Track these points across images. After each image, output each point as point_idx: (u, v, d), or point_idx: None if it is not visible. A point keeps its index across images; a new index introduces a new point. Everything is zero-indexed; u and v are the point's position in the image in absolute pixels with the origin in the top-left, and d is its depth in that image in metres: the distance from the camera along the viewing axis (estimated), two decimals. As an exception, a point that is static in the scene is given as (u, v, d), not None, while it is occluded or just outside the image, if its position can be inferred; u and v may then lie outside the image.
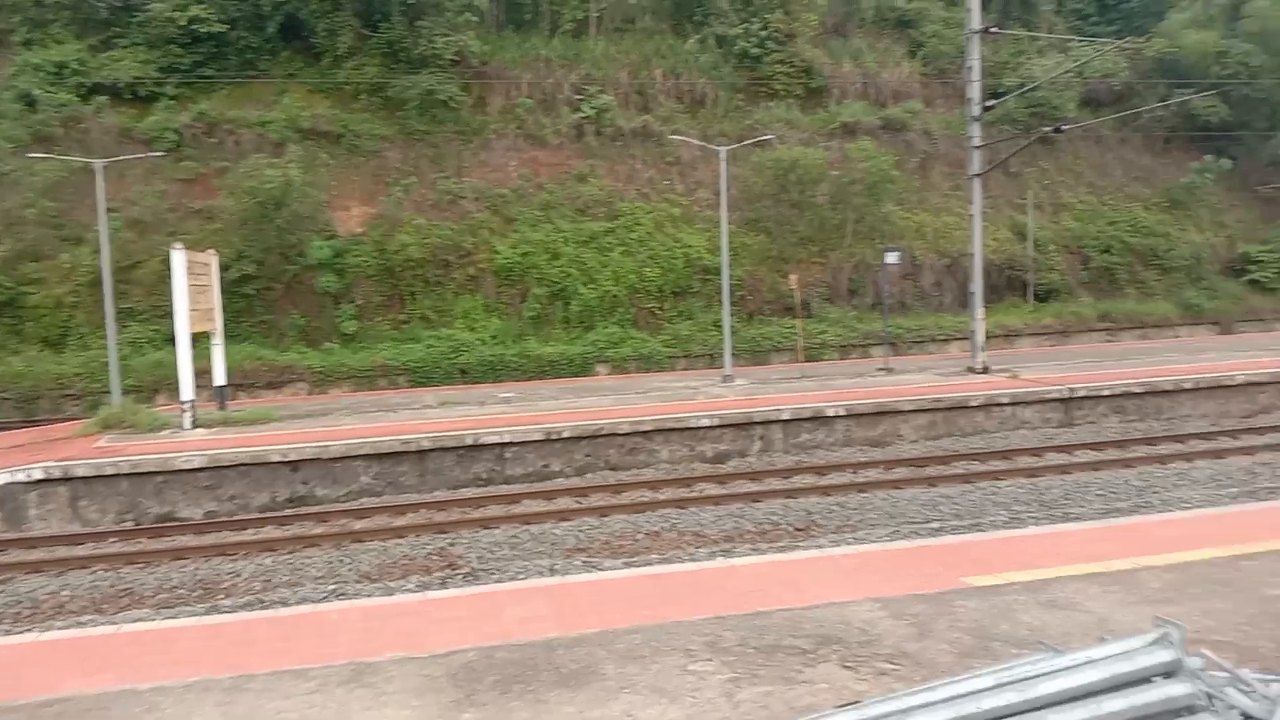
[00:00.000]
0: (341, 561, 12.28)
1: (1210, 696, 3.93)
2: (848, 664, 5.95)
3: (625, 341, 30.62)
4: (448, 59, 33.35)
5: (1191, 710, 3.85)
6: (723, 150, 25.65)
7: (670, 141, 34.02)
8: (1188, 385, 20.58)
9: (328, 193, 31.40)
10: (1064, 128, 26.93)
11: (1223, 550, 7.99)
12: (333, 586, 11.11)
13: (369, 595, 10.32)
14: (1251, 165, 41.47)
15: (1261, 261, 38.57)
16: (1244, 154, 41.09)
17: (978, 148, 24.39)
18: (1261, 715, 4.21)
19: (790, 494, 14.93)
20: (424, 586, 10.68)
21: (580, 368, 29.76)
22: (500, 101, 35.31)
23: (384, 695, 5.77)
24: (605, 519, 13.87)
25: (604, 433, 17.52)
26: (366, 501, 15.84)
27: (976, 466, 16.41)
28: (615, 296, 31.39)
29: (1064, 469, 15.87)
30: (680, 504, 14.44)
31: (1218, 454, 16.55)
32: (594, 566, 11.22)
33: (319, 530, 13.92)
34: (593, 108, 34.94)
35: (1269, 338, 32.99)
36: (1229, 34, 40.82)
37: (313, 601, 10.42)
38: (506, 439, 17.00)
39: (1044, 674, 3.94)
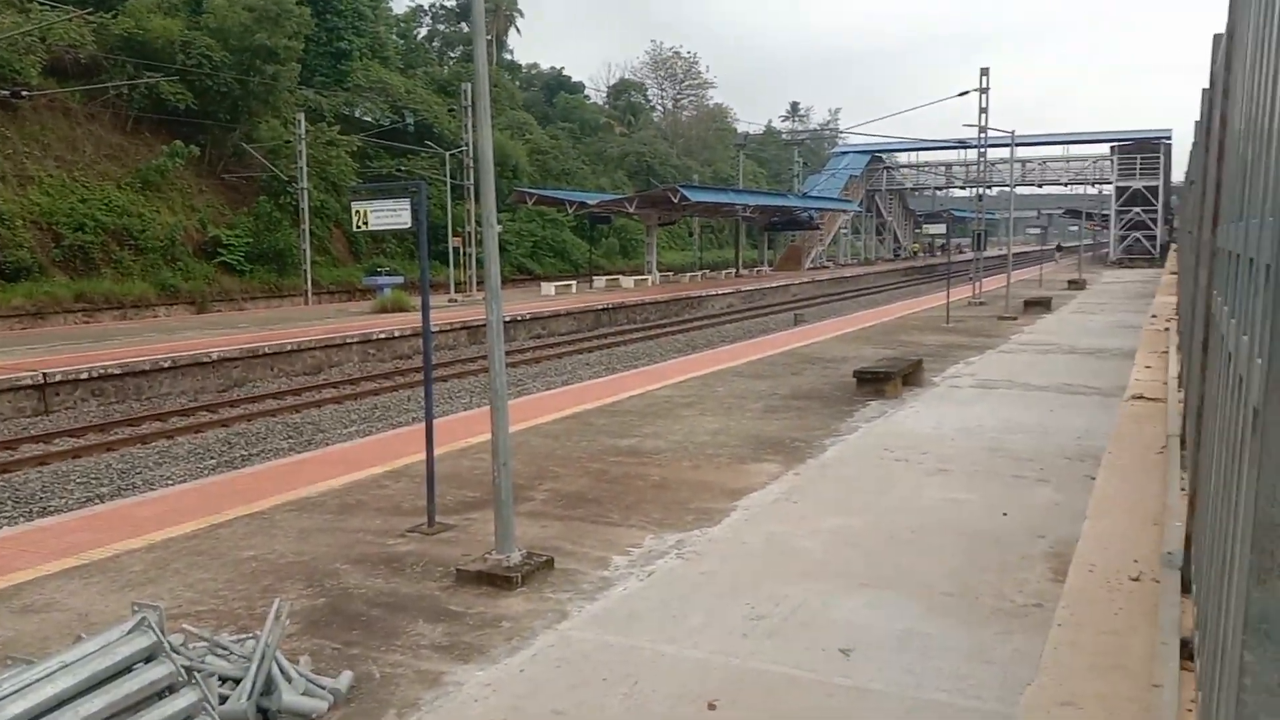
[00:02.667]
0: None
1: (190, 670, 4.03)
2: None
3: None
4: None
5: (173, 688, 3.89)
6: None
7: None
8: (166, 364, 21.02)
9: None
10: (26, 94, 25.04)
11: (203, 522, 8.32)
12: None
13: None
14: (219, 154, 44.17)
15: (231, 245, 41.47)
16: (211, 142, 43.54)
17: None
18: (238, 674, 4.49)
19: None
20: None
21: None
22: None
23: None
24: None
25: None
26: None
27: (-65, 469, 14.32)
28: None
29: (42, 460, 14.85)
30: None
31: (198, 429, 17.32)
32: None
33: None
34: None
35: (240, 316, 35.77)
36: (193, 26, 42.63)
37: None
38: None
39: (12, 692, 3.56)
